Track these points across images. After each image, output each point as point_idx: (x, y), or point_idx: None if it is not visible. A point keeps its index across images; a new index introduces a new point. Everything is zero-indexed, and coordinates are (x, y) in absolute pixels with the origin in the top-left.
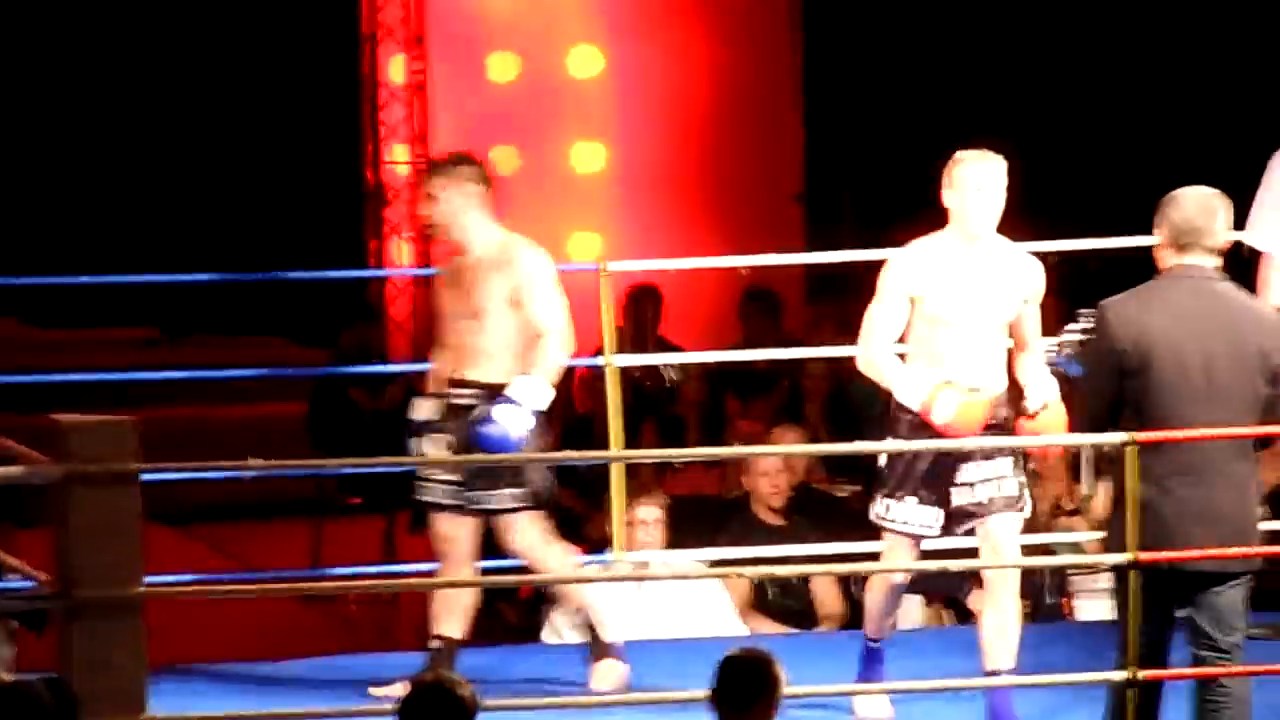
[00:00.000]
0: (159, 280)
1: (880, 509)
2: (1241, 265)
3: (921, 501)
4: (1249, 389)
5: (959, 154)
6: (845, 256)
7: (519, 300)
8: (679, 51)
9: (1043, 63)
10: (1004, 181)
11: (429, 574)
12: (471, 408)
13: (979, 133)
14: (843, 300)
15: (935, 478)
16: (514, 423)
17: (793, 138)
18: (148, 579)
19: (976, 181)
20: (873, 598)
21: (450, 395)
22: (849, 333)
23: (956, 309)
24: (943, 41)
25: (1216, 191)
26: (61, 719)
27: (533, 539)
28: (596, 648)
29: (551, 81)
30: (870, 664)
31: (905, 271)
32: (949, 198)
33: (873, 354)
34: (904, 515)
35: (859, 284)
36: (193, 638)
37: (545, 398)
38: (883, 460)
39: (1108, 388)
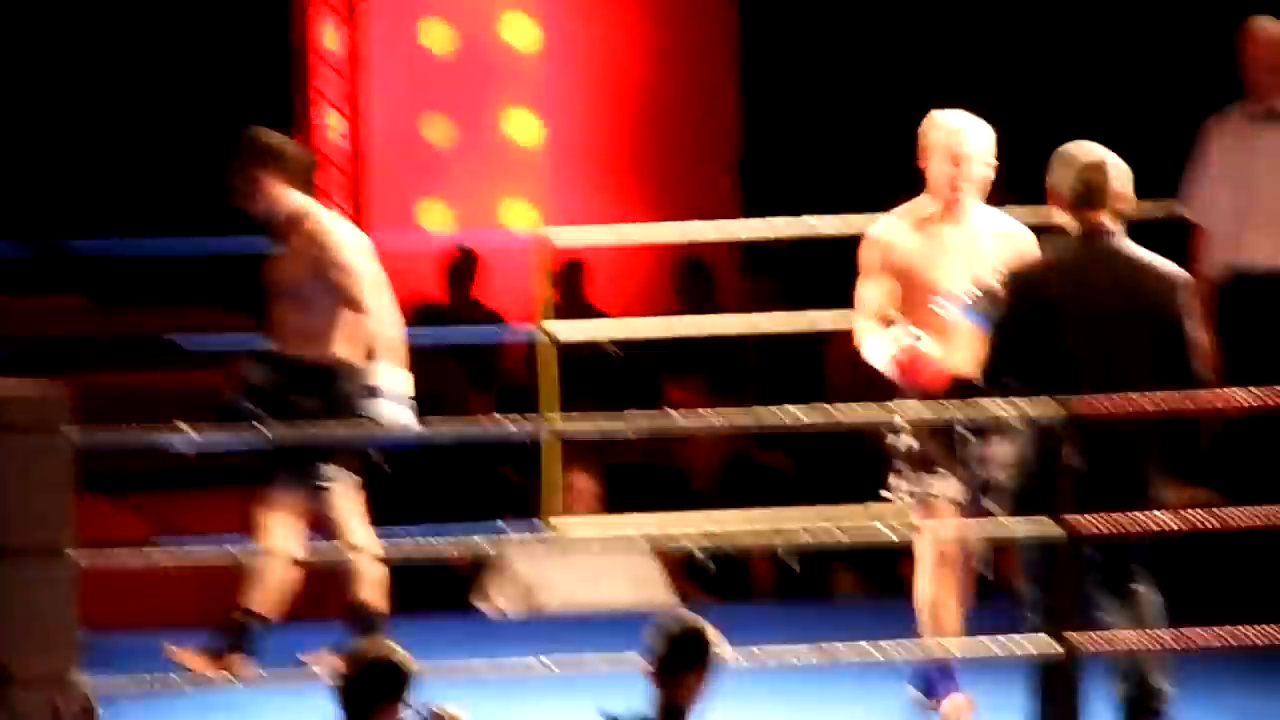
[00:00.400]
0: (94, 249)
1: (913, 485)
2: (1180, 230)
3: (945, 474)
4: (1148, 343)
5: (932, 114)
6: (780, 228)
7: (321, 273)
8: (614, 21)
9: (978, 36)
10: (984, 145)
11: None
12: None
13: (918, 105)
14: (778, 274)
15: (951, 451)
16: (400, 416)
17: (729, 110)
18: (85, 547)
19: (949, 145)
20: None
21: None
22: (784, 306)
23: (935, 282)
24: (883, 14)
25: (1105, 151)
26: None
27: (346, 512)
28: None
29: (485, 50)
30: (945, 680)
31: (880, 247)
32: (925, 162)
33: (857, 330)
34: (940, 487)
35: (794, 257)
36: (131, 606)
37: (409, 383)
38: (902, 441)
39: (1014, 348)
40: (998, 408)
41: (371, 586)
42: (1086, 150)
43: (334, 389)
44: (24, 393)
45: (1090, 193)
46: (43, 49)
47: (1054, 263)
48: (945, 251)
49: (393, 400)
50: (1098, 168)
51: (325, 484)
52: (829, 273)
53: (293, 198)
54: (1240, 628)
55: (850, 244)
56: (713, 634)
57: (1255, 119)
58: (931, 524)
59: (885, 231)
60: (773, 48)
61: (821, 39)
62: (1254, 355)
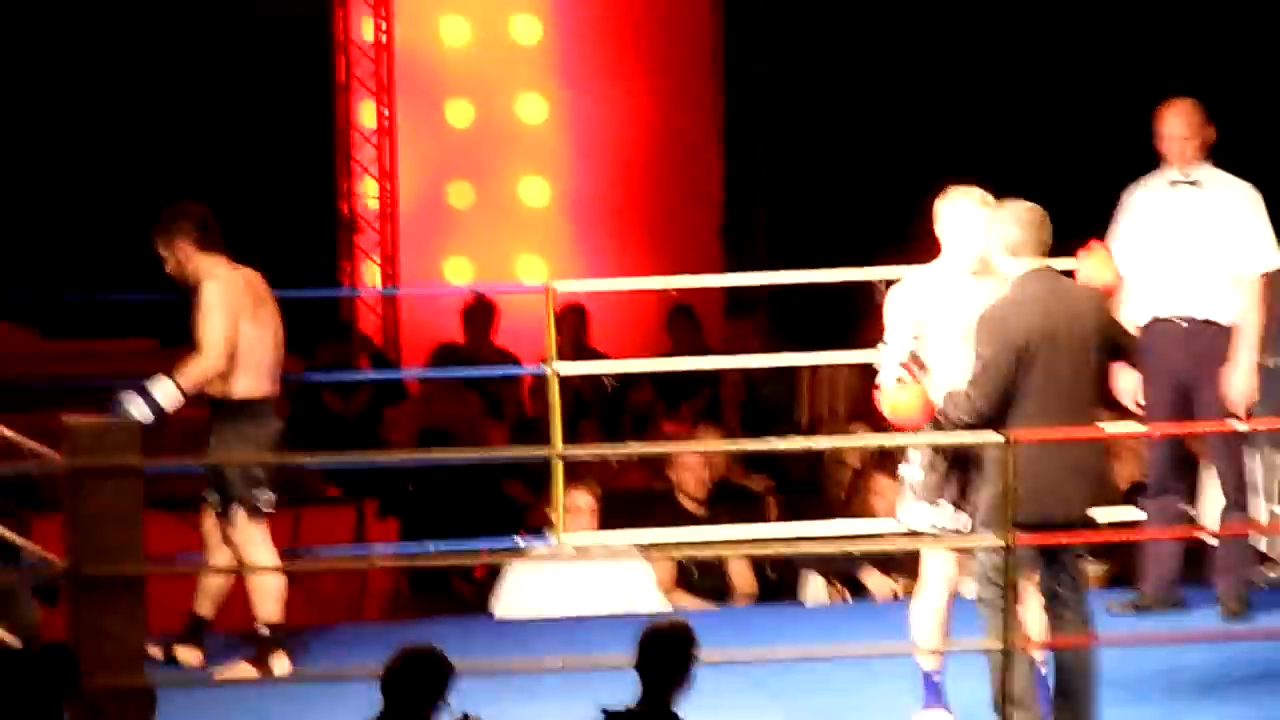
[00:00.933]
0: (158, 298)
1: (933, 517)
2: None
3: (956, 508)
4: (1092, 356)
5: (948, 189)
6: (760, 279)
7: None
8: (614, 100)
9: (942, 100)
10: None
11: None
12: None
13: (881, 172)
14: (756, 317)
15: (962, 482)
16: (136, 408)
17: (715, 177)
18: (149, 559)
19: (957, 218)
20: (927, 623)
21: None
22: (763, 347)
23: (952, 336)
24: (844, 97)
25: (1034, 205)
26: (65, 679)
27: (243, 536)
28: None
29: (502, 124)
30: (934, 694)
31: (901, 305)
32: (939, 230)
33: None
34: (951, 520)
35: (770, 304)
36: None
37: (172, 399)
38: (921, 473)
39: (1005, 382)
40: (941, 437)
41: (274, 602)
42: (1032, 206)
43: (218, 422)
44: (97, 424)
45: (1043, 242)
46: (126, 108)
47: (1020, 299)
48: (957, 311)
49: (142, 398)
50: (1030, 221)
51: (235, 505)
52: (802, 315)
53: (197, 260)
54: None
55: (815, 291)
56: (696, 635)
57: (1170, 185)
58: (935, 555)
59: (903, 293)
60: (753, 122)
61: (795, 116)
62: (1166, 392)
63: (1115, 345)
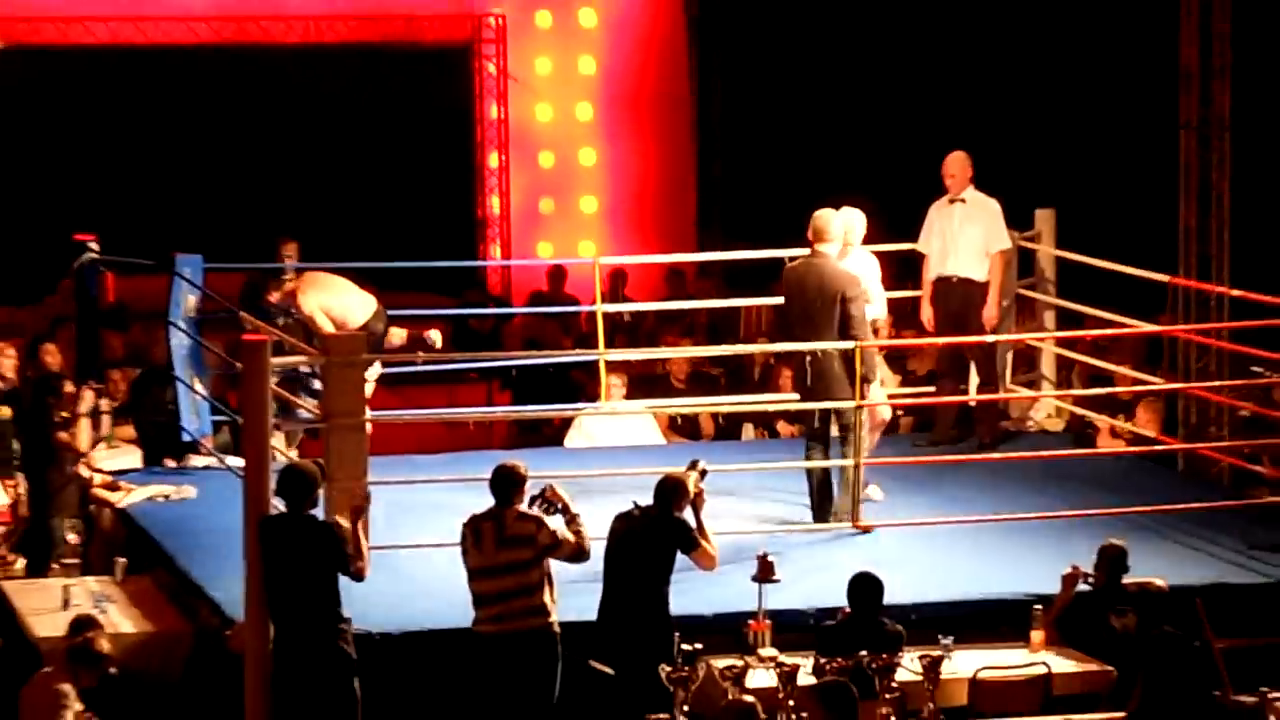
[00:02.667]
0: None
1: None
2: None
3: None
4: (833, 310)
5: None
6: (717, 256)
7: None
8: (634, 150)
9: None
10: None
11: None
12: None
13: (801, 184)
14: (716, 277)
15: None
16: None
17: (690, 191)
18: (370, 413)
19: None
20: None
21: None
22: (720, 295)
23: None
24: (774, 140)
25: (831, 210)
26: (317, 483)
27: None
28: None
29: (571, 164)
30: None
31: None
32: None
33: None
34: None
35: (725, 270)
36: (400, 444)
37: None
38: None
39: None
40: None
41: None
42: (823, 210)
43: None
44: (340, 338)
45: (818, 232)
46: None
47: (795, 270)
48: None
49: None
50: (826, 219)
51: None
52: (743, 276)
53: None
54: None
55: (751, 263)
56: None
57: (949, 203)
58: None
59: None
60: (712, 156)
61: (744, 151)
62: (948, 317)
63: (846, 309)
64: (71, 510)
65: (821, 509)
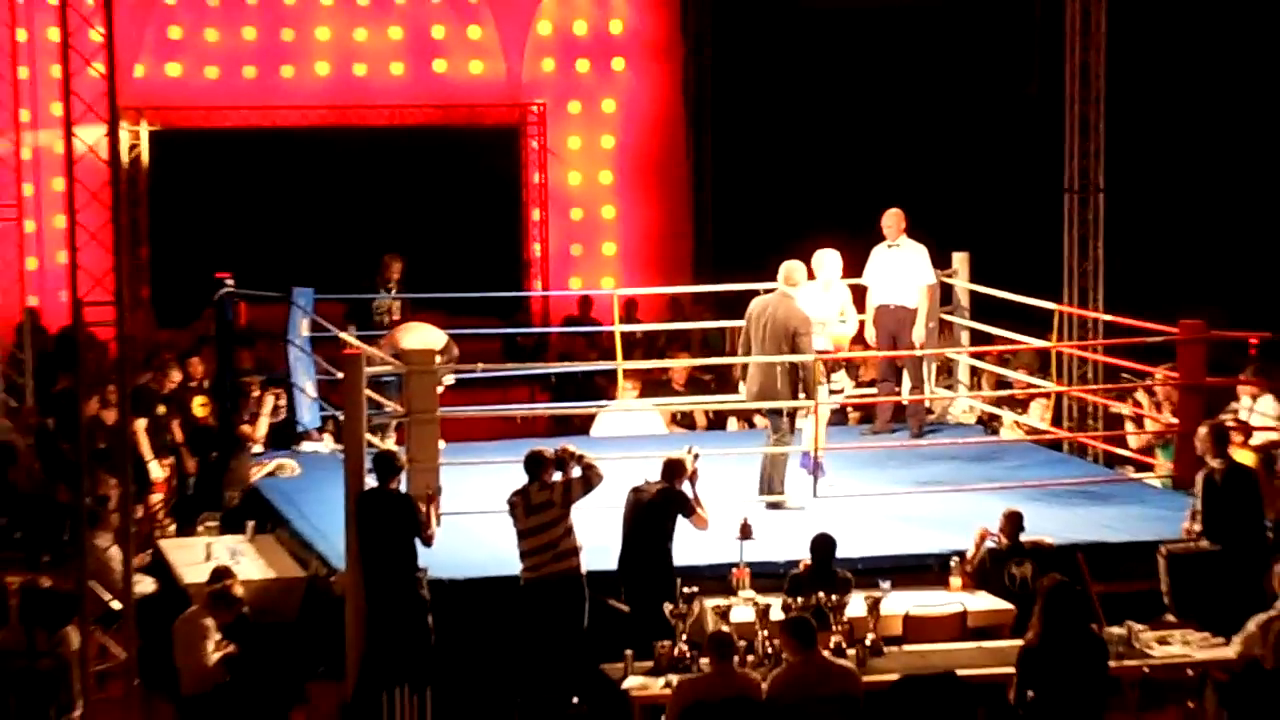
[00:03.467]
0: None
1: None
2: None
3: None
4: (781, 341)
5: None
6: (708, 288)
7: None
8: (642, 206)
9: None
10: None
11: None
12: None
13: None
14: (708, 304)
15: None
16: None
17: (687, 238)
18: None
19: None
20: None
21: None
22: (712, 317)
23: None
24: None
25: (799, 262)
26: (397, 465)
27: None
28: None
29: (595, 219)
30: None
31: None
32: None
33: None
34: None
35: (715, 299)
36: (467, 435)
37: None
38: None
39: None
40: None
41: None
42: (790, 261)
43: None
44: (417, 351)
45: (786, 277)
46: None
47: (759, 302)
48: None
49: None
50: (794, 267)
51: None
52: (729, 302)
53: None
54: None
55: (734, 294)
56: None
57: (888, 247)
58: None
59: None
60: (705, 211)
61: (732, 202)
62: (887, 336)
63: (795, 334)
64: (243, 484)
65: (770, 484)
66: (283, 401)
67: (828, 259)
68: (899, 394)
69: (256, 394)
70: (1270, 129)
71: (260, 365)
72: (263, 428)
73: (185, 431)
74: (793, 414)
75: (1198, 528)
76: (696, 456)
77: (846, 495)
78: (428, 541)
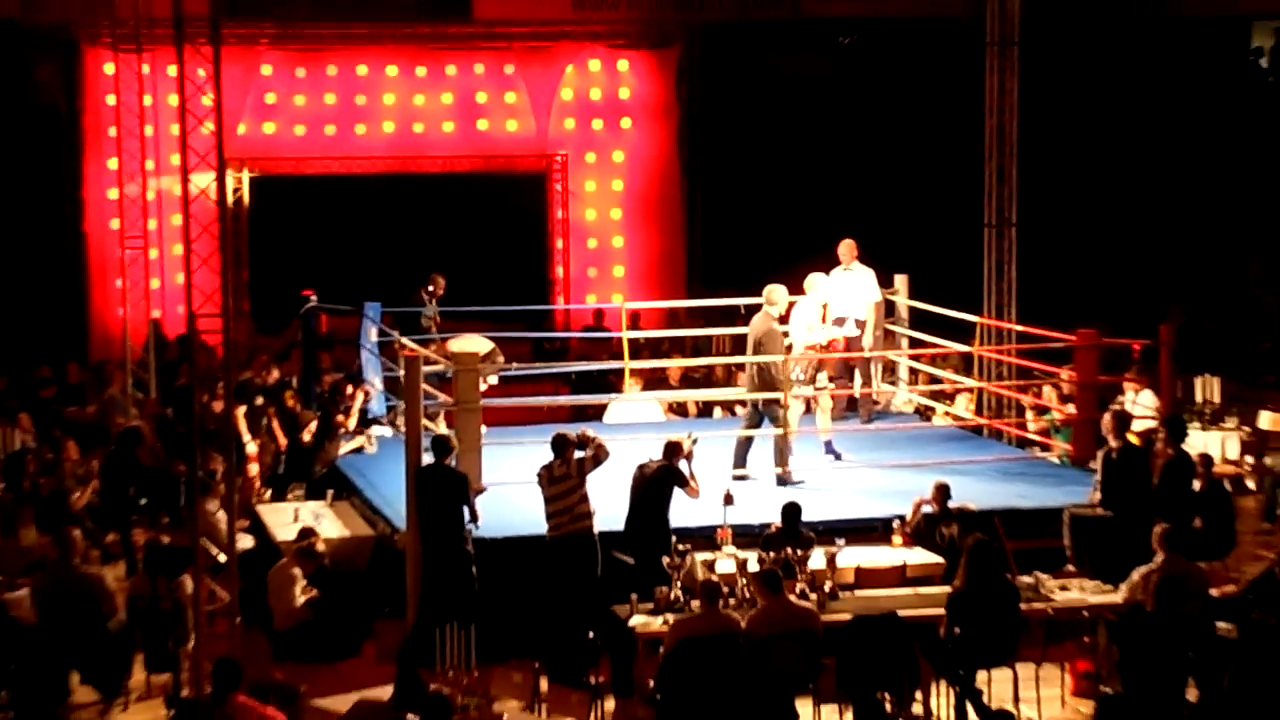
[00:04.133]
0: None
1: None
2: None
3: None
4: (753, 346)
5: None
6: (702, 303)
7: None
8: (645, 236)
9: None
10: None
11: (570, 399)
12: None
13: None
14: (700, 317)
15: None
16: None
17: (681, 262)
18: (484, 401)
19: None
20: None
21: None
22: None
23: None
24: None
25: (781, 285)
26: (450, 446)
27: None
28: None
29: (607, 247)
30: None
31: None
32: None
33: None
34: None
35: (705, 312)
36: (504, 420)
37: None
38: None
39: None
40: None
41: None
42: (774, 285)
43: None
44: (461, 353)
45: (766, 299)
46: None
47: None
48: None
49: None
50: (775, 291)
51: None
52: (719, 314)
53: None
54: None
55: (723, 307)
56: (683, 445)
57: (843, 270)
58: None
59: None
60: (695, 242)
61: (718, 237)
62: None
63: (759, 343)
64: (330, 461)
65: (740, 460)
66: (370, 396)
67: (814, 281)
68: (851, 388)
69: (349, 390)
70: (1149, 179)
71: (337, 365)
72: (354, 417)
73: (279, 418)
74: (771, 404)
75: (1098, 496)
76: (695, 441)
77: (813, 470)
78: (474, 518)
